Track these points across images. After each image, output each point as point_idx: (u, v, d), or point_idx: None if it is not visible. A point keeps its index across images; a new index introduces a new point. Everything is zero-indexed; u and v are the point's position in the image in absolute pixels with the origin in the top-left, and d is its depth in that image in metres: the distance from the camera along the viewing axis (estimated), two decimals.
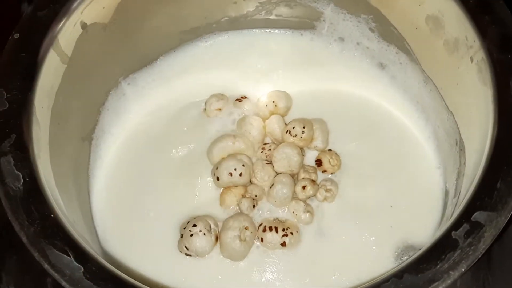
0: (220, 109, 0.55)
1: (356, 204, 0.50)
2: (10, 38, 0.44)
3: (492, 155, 0.38)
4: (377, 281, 0.34)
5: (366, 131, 0.54)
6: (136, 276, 0.47)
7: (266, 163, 0.51)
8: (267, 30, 0.60)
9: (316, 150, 0.53)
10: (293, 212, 0.49)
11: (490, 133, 0.39)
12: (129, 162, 0.54)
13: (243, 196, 0.49)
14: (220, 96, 0.55)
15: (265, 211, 0.50)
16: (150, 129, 0.56)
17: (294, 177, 0.51)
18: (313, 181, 0.50)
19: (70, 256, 0.36)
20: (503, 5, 0.43)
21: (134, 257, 0.49)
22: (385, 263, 0.47)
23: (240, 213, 0.49)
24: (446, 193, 0.50)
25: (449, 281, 0.33)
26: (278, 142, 0.52)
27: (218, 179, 0.49)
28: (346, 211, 0.50)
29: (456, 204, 0.42)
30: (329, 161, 0.51)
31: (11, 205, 0.37)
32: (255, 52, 0.59)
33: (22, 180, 0.38)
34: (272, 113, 0.54)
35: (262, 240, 0.47)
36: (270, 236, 0.47)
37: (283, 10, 0.58)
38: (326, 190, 0.50)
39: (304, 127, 0.51)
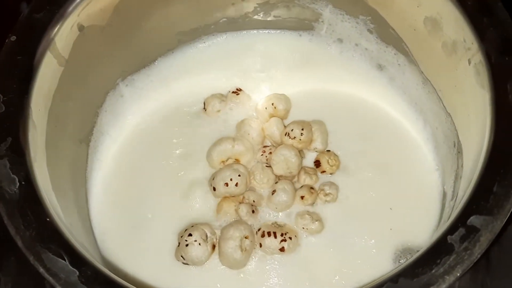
0: (219, 110, 0.55)
1: (355, 207, 0.50)
2: (6, 40, 0.44)
3: (489, 158, 0.38)
4: (372, 286, 0.34)
5: (365, 132, 0.54)
6: (133, 280, 0.47)
7: (266, 166, 0.51)
8: (266, 31, 0.60)
9: (316, 151, 0.53)
10: (303, 228, 0.48)
11: (487, 136, 0.39)
12: (127, 164, 0.54)
13: (241, 202, 0.49)
14: (222, 98, 0.55)
15: (265, 216, 0.50)
16: (149, 130, 0.56)
17: (293, 179, 0.51)
18: (312, 188, 0.50)
19: (65, 260, 0.36)
20: (502, 8, 0.43)
21: (132, 261, 0.49)
22: (384, 266, 0.47)
23: (239, 221, 0.48)
24: (444, 195, 0.49)
25: (444, 286, 0.33)
26: (277, 145, 0.52)
27: (214, 189, 0.49)
28: (345, 213, 0.50)
29: (454, 206, 0.42)
30: (328, 162, 0.51)
31: (7, 209, 0.37)
32: (253, 53, 0.60)
33: (18, 184, 0.38)
34: (271, 116, 0.54)
35: (260, 245, 0.47)
36: (268, 241, 0.47)
37: (281, 11, 0.58)
38: (326, 195, 0.50)
39: (302, 129, 0.51)
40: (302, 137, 0.51)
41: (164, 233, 0.49)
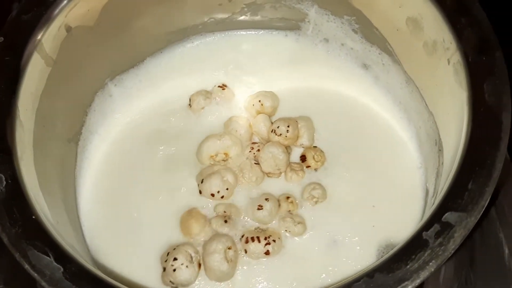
0: (203, 108, 0.56)
1: (339, 204, 0.51)
2: None
3: (465, 156, 0.38)
4: (349, 281, 0.35)
5: (351, 130, 0.55)
6: (120, 277, 0.48)
7: (255, 163, 0.51)
8: (253, 31, 0.61)
9: (302, 147, 0.53)
10: (285, 230, 0.49)
11: (464, 134, 0.39)
12: (116, 163, 0.54)
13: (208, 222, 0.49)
14: (207, 94, 0.56)
15: (246, 221, 0.50)
16: (137, 129, 0.56)
17: (280, 175, 0.52)
18: (290, 200, 0.50)
19: (50, 257, 0.36)
20: (479, 8, 0.43)
21: (120, 259, 0.49)
22: (368, 262, 0.48)
23: (219, 234, 0.48)
24: (427, 193, 0.50)
25: (418, 280, 0.34)
26: (265, 141, 0.53)
27: (200, 192, 0.51)
28: (329, 211, 0.50)
29: (433, 203, 0.43)
30: (313, 157, 0.52)
31: None
32: (241, 53, 0.60)
33: (5, 182, 0.39)
34: (259, 113, 0.55)
35: (246, 251, 0.47)
36: (253, 246, 0.47)
37: (268, 12, 0.58)
38: (315, 200, 0.50)
39: (288, 126, 0.52)
40: (288, 134, 0.52)
41: (153, 231, 0.50)
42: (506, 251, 0.48)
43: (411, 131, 0.54)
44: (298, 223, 0.48)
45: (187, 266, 0.45)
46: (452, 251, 0.35)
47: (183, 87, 0.58)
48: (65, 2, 0.46)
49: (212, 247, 0.46)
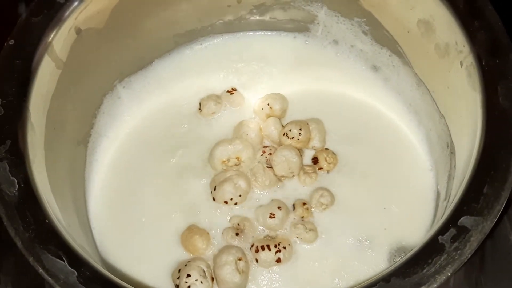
0: (214, 112, 0.56)
1: (350, 207, 0.51)
2: (5, 44, 0.44)
3: (480, 160, 0.38)
4: (365, 285, 0.34)
5: (360, 133, 0.55)
6: (131, 280, 0.48)
7: (267, 167, 0.51)
8: (262, 33, 0.60)
9: (314, 149, 0.53)
10: (296, 237, 0.49)
11: (478, 137, 0.39)
12: (125, 165, 0.54)
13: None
14: (217, 99, 0.56)
15: (254, 230, 0.49)
16: (146, 132, 0.56)
17: (293, 177, 0.51)
18: (304, 204, 0.50)
19: (64, 261, 0.36)
20: (493, 11, 0.43)
21: (130, 261, 0.49)
22: (380, 265, 0.48)
23: (228, 245, 0.48)
24: (438, 195, 0.50)
25: (435, 285, 0.34)
26: (276, 144, 0.53)
27: (214, 199, 0.50)
28: (340, 214, 0.50)
29: (446, 206, 0.43)
30: (325, 159, 0.52)
31: (6, 211, 0.38)
32: (250, 55, 0.60)
33: (17, 186, 0.39)
34: (268, 116, 0.55)
35: (257, 260, 0.47)
36: (264, 255, 0.47)
37: (277, 13, 0.58)
38: (323, 206, 0.50)
39: (300, 129, 0.52)
40: (300, 137, 0.52)
41: (162, 233, 0.50)
42: None
43: (421, 134, 0.54)
44: (310, 230, 0.48)
45: (201, 282, 0.45)
46: (469, 256, 0.35)
47: (192, 89, 0.58)
48: (75, 4, 0.46)
49: (223, 259, 0.46)
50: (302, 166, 0.52)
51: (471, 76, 0.42)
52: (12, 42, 0.44)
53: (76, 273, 0.36)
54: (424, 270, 0.34)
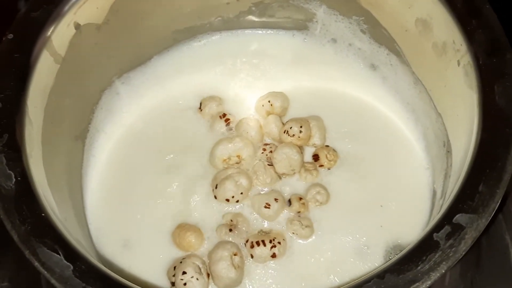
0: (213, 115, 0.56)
1: (347, 204, 0.51)
2: (3, 38, 0.44)
3: (476, 158, 0.38)
4: (359, 281, 0.35)
5: (358, 131, 0.55)
6: (126, 275, 0.48)
7: (268, 165, 0.51)
8: (260, 31, 0.61)
9: (314, 147, 0.53)
10: (293, 233, 0.49)
11: (474, 136, 0.39)
12: (123, 161, 0.54)
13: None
14: (219, 101, 0.56)
15: (249, 225, 0.50)
16: (144, 128, 0.56)
17: (294, 175, 0.52)
18: (301, 199, 0.50)
19: (60, 255, 0.36)
20: (491, 10, 0.43)
21: (126, 257, 0.49)
22: (376, 263, 0.48)
23: (223, 241, 0.48)
24: (434, 194, 0.50)
25: (429, 282, 0.34)
26: (277, 142, 0.53)
27: (215, 197, 0.50)
28: (336, 211, 0.50)
29: (442, 205, 0.43)
30: (326, 156, 0.52)
31: (3, 204, 0.38)
32: (248, 52, 0.60)
33: (14, 180, 0.39)
34: (269, 113, 0.55)
35: (252, 256, 0.47)
36: (259, 250, 0.47)
37: (276, 11, 0.58)
38: (318, 203, 0.50)
39: (301, 127, 0.52)
40: (301, 135, 0.52)
41: (158, 230, 0.50)
42: None
43: (419, 132, 0.54)
44: (306, 227, 0.48)
45: (197, 279, 0.45)
46: (463, 253, 0.35)
47: (190, 85, 0.58)
48: None
49: (218, 255, 0.46)
50: (303, 164, 0.52)
51: (468, 75, 0.42)
52: (11, 36, 0.44)
53: (72, 267, 0.36)
54: (419, 267, 0.34)
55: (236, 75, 0.59)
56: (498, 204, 0.37)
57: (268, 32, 0.60)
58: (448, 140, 0.47)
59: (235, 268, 0.46)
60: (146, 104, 0.57)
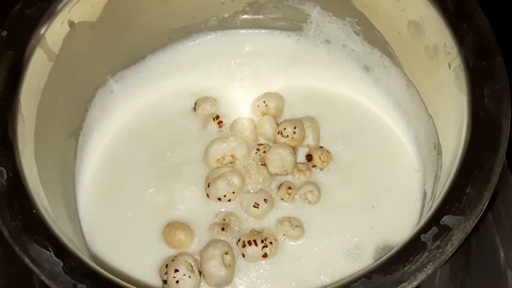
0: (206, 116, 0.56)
1: (339, 204, 0.51)
2: None
3: (464, 160, 0.39)
4: (347, 281, 0.35)
5: (351, 132, 0.55)
6: (118, 272, 0.48)
7: (261, 165, 0.51)
8: (255, 31, 0.61)
9: (308, 147, 0.54)
10: (283, 234, 0.49)
11: (463, 138, 0.40)
12: (116, 159, 0.54)
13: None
14: (214, 102, 0.56)
15: (241, 224, 0.50)
16: (138, 126, 0.56)
17: (287, 175, 0.52)
18: (289, 188, 0.50)
19: (50, 251, 0.36)
20: (482, 13, 0.43)
21: (118, 255, 0.49)
22: (367, 263, 0.48)
23: (215, 239, 0.48)
24: (425, 195, 0.50)
25: (416, 282, 0.34)
26: (271, 142, 0.53)
27: (208, 195, 0.51)
28: (328, 211, 0.51)
29: (431, 207, 0.43)
30: (320, 157, 0.52)
31: None
32: (243, 52, 0.60)
33: (6, 176, 0.39)
34: (264, 114, 0.55)
35: (243, 255, 0.48)
36: (251, 250, 0.47)
37: (270, 11, 0.58)
38: (307, 200, 0.50)
39: (295, 128, 0.52)
40: (294, 136, 0.52)
41: (151, 229, 0.50)
42: (502, 255, 0.48)
43: (410, 134, 0.54)
44: (296, 227, 0.49)
45: (189, 276, 0.45)
46: (450, 254, 0.35)
47: (184, 85, 0.58)
48: None
49: (209, 253, 0.46)
50: (296, 164, 0.52)
51: (458, 78, 0.43)
52: (4, 33, 0.45)
53: (62, 263, 0.36)
54: (406, 268, 0.35)
55: (230, 75, 0.59)
56: (486, 206, 0.37)
57: (262, 32, 0.61)
58: (439, 142, 0.48)
59: (225, 266, 0.46)
60: (140, 102, 0.57)
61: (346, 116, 0.56)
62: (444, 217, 0.36)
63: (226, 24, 0.60)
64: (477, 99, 0.41)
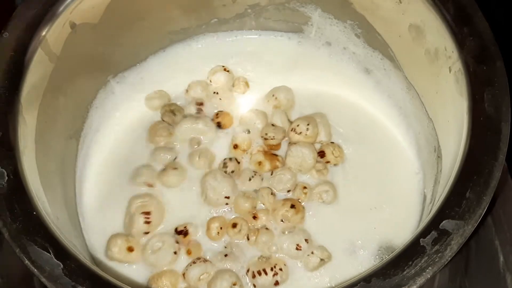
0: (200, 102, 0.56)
1: (341, 206, 0.51)
2: None
3: (464, 165, 0.39)
4: (346, 285, 0.35)
5: (351, 134, 0.55)
6: (119, 277, 0.48)
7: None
8: (256, 33, 0.61)
9: (320, 143, 0.54)
10: (293, 249, 0.48)
11: (463, 143, 0.40)
12: (116, 161, 0.54)
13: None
14: (206, 87, 0.57)
15: (247, 253, 0.49)
16: (139, 128, 0.56)
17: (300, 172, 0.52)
18: (305, 188, 0.51)
19: (50, 253, 0.37)
20: (482, 18, 0.43)
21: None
22: (369, 264, 0.48)
23: (221, 270, 0.47)
24: (425, 198, 0.51)
25: (415, 286, 0.34)
26: (281, 136, 0.53)
27: (205, 197, 0.51)
28: (331, 214, 0.51)
29: (431, 210, 0.43)
30: (332, 153, 0.52)
31: None
32: (243, 54, 0.60)
33: (6, 177, 0.39)
34: (275, 107, 0.55)
35: (254, 286, 0.46)
36: (261, 280, 0.46)
37: (271, 14, 0.59)
38: (322, 200, 0.51)
39: (308, 124, 0.52)
40: (308, 132, 0.52)
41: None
42: (501, 258, 0.48)
43: (410, 137, 0.54)
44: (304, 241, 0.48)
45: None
46: (449, 259, 0.35)
47: (185, 86, 0.58)
48: None
49: (217, 286, 0.45)
50: (312, 167, 0.52)
51: (458, 82, 0.43)
52: (6, 34, 0.45)
53: (62, 265, 0.36)
54: (405, 272, 0.35)
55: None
56: (485, 210, 0.37)
57: (263, 34, 0.61)
58: (439, 146, 0.48)
59: None
60: (141, 103, 0.57)
61: (346, 118, 0.56)
62: (444, 222, 0.36)
63: (227, 26, 0.60)
64: (477, 103, 0.40)
